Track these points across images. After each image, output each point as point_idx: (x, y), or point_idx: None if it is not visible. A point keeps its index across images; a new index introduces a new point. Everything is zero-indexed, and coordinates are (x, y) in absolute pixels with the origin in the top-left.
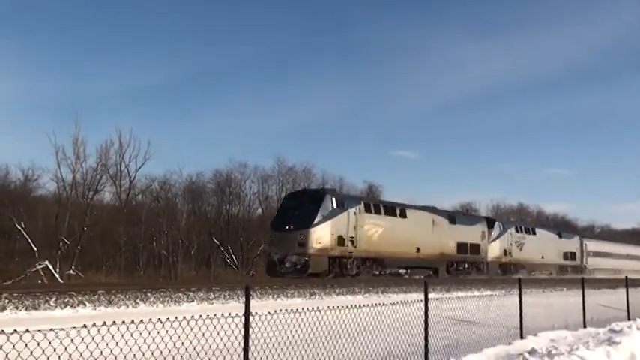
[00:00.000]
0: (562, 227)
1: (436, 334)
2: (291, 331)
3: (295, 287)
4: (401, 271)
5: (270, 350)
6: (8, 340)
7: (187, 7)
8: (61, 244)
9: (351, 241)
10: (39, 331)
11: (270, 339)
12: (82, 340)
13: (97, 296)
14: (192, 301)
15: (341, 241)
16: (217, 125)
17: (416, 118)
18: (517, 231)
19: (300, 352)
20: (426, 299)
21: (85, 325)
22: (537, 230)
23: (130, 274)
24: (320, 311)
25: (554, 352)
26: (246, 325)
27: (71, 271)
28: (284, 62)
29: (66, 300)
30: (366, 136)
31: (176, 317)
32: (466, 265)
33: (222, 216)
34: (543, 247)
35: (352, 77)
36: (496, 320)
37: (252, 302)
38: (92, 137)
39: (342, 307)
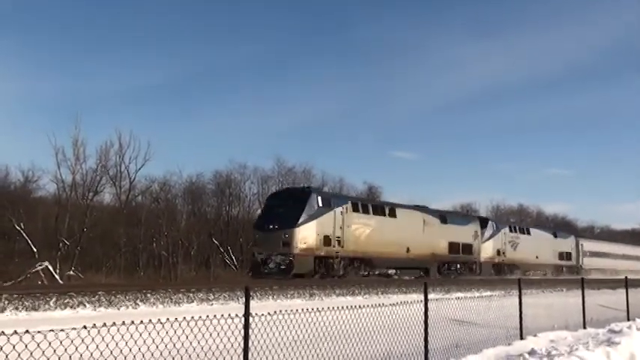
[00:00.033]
0: (562, 228)
1: (436, 335)
2: (291, 331)
3: (295, 288)
4: (390, 271)
5: (270, 351)
6: (8, 341)
7: (187, 7)
8: (60, 245)
9: (338, 241)
10: (39, 332)
11: (270, 340)
12: (82, 341)
13: (96, 297)
14: (192, 302)
15: (327, 241)
16: (217, 125)
17: (416, 118)
18: (511, 231)
19: (300, 352)
20: (426, 300)
21: (85, 326)
22: (532, 230)
23: (130, 275)
24: (320, 312)
25: (553, 352)
26: (246, 326)
27: (71, 272)
28: (284, 62)
29: (66, 301)
30: (366, 136)
31: (176, 318)
32: (458, 266)
33: (222, 217)
34: (538, 247)
35: (352, 77)
36: (496, 321)
37: (252, 303)
38: (92, 138)
39: (342, 307)
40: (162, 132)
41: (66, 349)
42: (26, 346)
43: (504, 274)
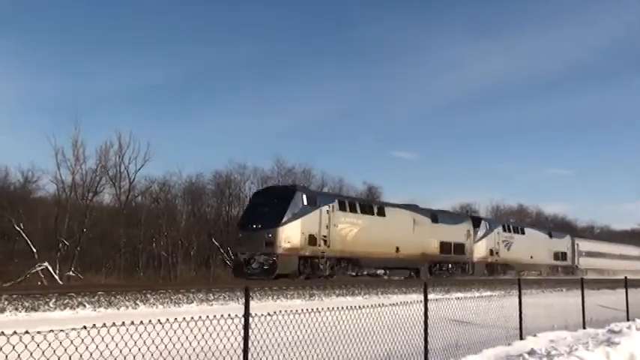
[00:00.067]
0: (561, 228)
1: (436, 335)
2: (290, 332)
3: (295, 288)
4: (379, 272)
5: (269, 351)
6: (8, 341)
7: (187, 7)
8: (60, 245)
9: (324, 240)
10: (38, 332)
11: (270, 340)
12: (82, 341)
13: (96, 298)
14: (192, 302)
15: (312, 240)
16: (217, 125)
17: (416, 118)
18: (505, 230)
19: (300, 353)
20: (426, 300)
21: (84, 327)
22: (526, 229)
23: (130, 276)
24: (320, 312)
25: (553, 352)
26: (246, 327)
27: (71, 273)
28: (284, 62)
29: (65, 301)
30: (365, 136)
31: (176, 318)
32: (450, 266)
33: (221, 217)
34: (532, 247)
35: (352, 77)
36: (496, 321)
37: (252, 303)
38: (92, 138)
39: (342, 308)
40: (162, 132)
41: (65, 350)
42: (26, 346)
43: (498, 274)
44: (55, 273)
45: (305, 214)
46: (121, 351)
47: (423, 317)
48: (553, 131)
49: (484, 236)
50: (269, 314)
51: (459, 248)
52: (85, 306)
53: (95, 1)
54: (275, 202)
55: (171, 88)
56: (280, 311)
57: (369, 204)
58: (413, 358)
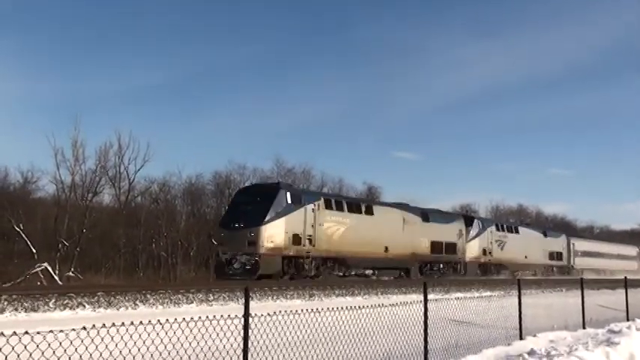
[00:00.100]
0: (561, 228)
1: (435, 335)
2: (290, 332)
3: (295, 289)
4: (367, 272)
5: (269, 352)
6: (7, 342)
7: (187, 7)
8: (60, 245)
9: (309, 239)
10: (38, 333)
11: (270, 340)
12: (82, 342)
13: (96, 298)
14: (192, 302)
15: (297, 239)
16: (217, 125)
17: (416, 118)
18: (498, 229)
19: (300, 353)
20: (425, 300)
21: (84, 327)
22: (520, 228)
23: (130, 276)
24: (319, 312)
25: (553, 352)
26: (246, 327)
27: (70, 273)
28: (284, 62)
29: (65, 302)
30: (366, 136)
31: (175, 319)
32: (441, 266)
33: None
34: (527, 247)
35: (352, 77)
36: (495, 321)
37: (252, 304)
38: (92, 138)
39: (342, 308)
40: (161, 132)
41: (65, 350)
42: (25, 347)
43: (491, 274)
44: (55, 273)
45: (289, 212)
46: (120, 351)
47: (423, 317)
48: (553, 131)
49: (477, 235)
50: (269, 314)
51: (451, 248)
52: (84, 306)
53: (95, 1)
54: (258, 200)
55: (171, 88)
56: (280, 311)
57: (356, 202)
58: (413, 358)
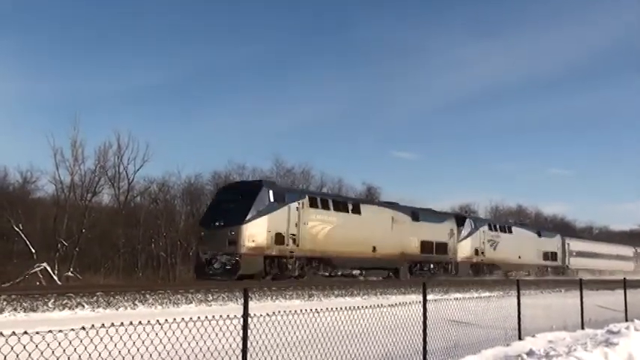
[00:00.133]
0: (560, 228)
1: (435, 336)
2: (289, 332)
3: (294, 289)
4: (354, 272)
5: (269, 352)
6: (7, 342)
7: (187, 7)
8: (59, 246)
9: (293, 239)
10: (37, 333)
11: (269, 341)
12: (81, 342)
13: (95, 298)
14: (191, 302)
15: (279, 239)
16: (217, 125)
17: (416, 118)
18: (491, 229)
19: (299, 353)
20: (425, 301)
21: (83, 327)
22: (514, 228)
23: (129, 276)
24: (319, 313)
25: (552, 353)
26: (245, 327)
27: (69, 273)
28: (284, 62)
29: (64, 302)
30: (365, 136)
31: (174, 319)
32: (432, 266)
33: None
34: (520, 247)
35: (352, 77)
36: (494, 322)
37: (251, 304)
38: (91, 138)
39: (341, 308)
40: (161, 132)
41: (64, 350)
42: (25, 347)
43: (483, 274)
44: (54, 273)
45: (271, 211)
46: (119, 351)
47: (422, 318)
48: (553, 131)
49: (469, 235)
50: (268, 315)
51: (442, 248)
52: (83, 306)
53: (95, 1)
54: (239, 198)
55: (171, 88)
56: (279, 312)
57: (343, 201)
58: (412, 359)
